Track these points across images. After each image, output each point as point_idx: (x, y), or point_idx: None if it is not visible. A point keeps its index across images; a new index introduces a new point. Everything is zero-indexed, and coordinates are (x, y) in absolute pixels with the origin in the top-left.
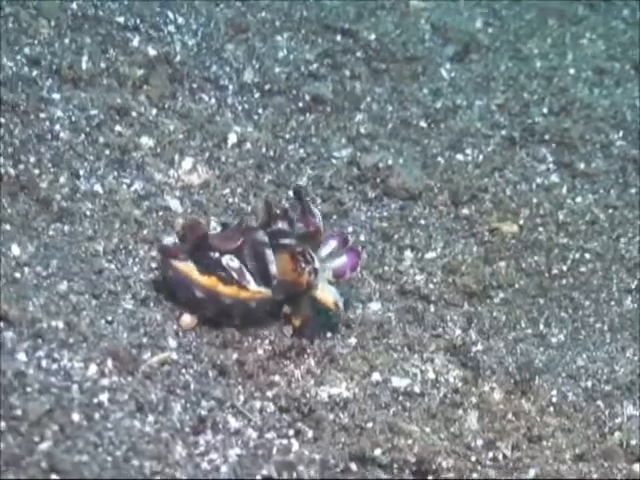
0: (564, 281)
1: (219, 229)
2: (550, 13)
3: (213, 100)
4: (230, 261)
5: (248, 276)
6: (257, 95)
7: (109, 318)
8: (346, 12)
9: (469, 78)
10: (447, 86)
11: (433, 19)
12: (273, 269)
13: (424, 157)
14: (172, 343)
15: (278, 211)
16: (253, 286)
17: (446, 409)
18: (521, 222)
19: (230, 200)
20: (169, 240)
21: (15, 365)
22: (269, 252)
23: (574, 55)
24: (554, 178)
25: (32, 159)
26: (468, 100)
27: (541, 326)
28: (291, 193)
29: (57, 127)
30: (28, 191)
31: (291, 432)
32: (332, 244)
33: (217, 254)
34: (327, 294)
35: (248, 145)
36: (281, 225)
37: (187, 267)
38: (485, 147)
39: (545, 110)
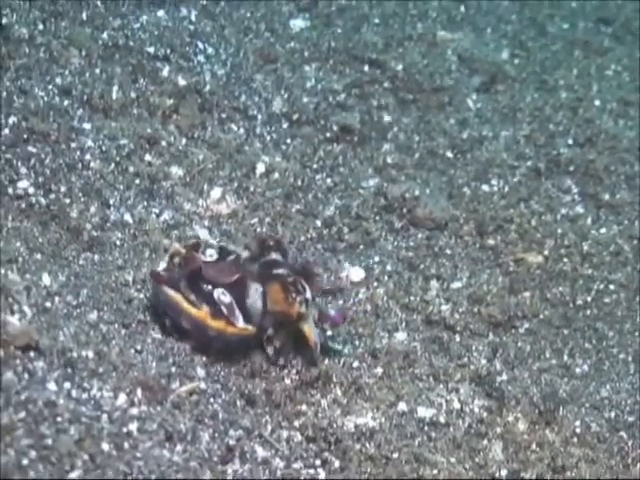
0: (588, 312)
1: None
2: (576, 45)
3: (242, 130)
4: (222, 295)
5: (237, 312)
6: (285, 125)
7: (138, 347)
8: (374, 43)
9: (495, 109)
10: (473, 117)
11: (460, 50)
12: (259, 304)
13: (450, 187)
14: (200, 373)
15: (271, 242)
16: (241, 323)
17: (471, 439)
18: (546, 253)
19: (258, 229)
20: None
21: (46, 394)
22: (259, 287)
23: (599, 86)
24: (579, 209)
25: (63, 188)
26: (494, 131)
27: (565, 356)
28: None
29: (88, 156)
30: (59, 220)
31: (318, 462)
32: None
33: (210, 286)
34: (312, 331)
35: (276, 175)
36: (274, 256)
37: (177, 296)
38: (511, 178)
39: (570, 141)
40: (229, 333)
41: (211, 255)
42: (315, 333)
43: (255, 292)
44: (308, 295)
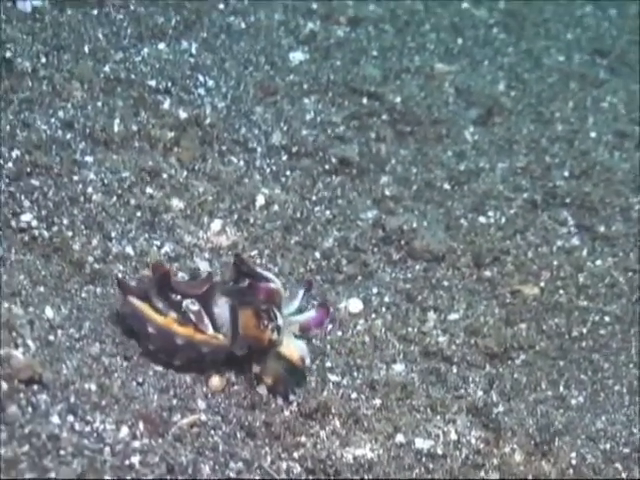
0: (584, 343)
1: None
2: (571, 77)
3: (242, 162)
4: (190, 304)
5: (206, 320)
6: (285, 157)
7: (140, 380)
8: (372, 75)
9: (492, 141)
10: (470, 149)
11: (457, 82)
12: (234, 320)
13: (448, 219)
14: (201, 405)
15: (246, 268)
16: (210, 330)
17: (468, 471)
18: (542, 284)
19: (258, 262)
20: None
21: (49, 428)
22: (229, 302)
23: (595, 118)
24: (575, 241)
25: (65, 221)
26: (491, 163)
27: (561, 388)
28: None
29: (90, 189)
30: (61, 253)
31: None
32: (299, 297)
33: (179, 297)
34: (292, 349)
35: (276, 207)
36: (247, 281)
37: (144, 305)
38: (507, 210)
39: (566, 173)
40: (197, 340)
41: (183, 277)
42: (299, 348)
43: (224, 304)
44: (280, 322)
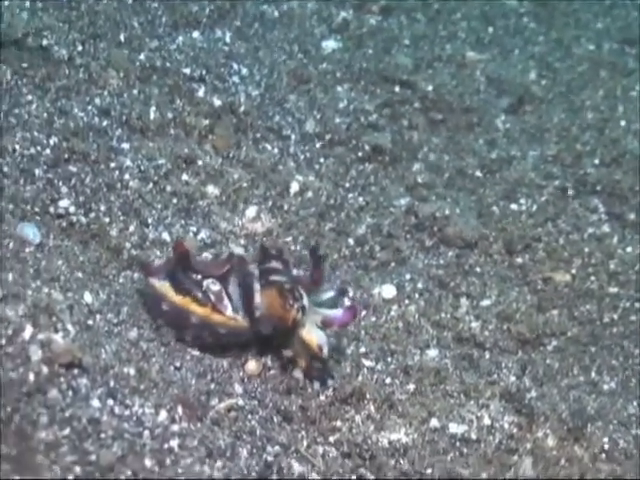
0: (615, 330)
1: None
2: (602, 65)
3: (276, 150)
4: (211, 284)
5: (226, 301)
6: (318, 145)
7: (177, 365)
8: (404, 64)
9: (523, 129)
10: (502, 137)
11: (488, 71)
12: (257, 301)
13: (479, 206)
14: (238, 389)
15: (274, 251)
16: (229, 312)
17: (502, 455)
18: (573, 271)
19: (292, 248)
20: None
21: (89, 411)
22: (256, 284)
23: (625, 107)
24: (605, 228)
25: (102, 207)
26: (522, 151)
27: (593, 374)
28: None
29: (126, 176)
30: (99, 239)
31: (353, 477)
32: (330, 294)
33: (199, 277)
34: (312, 335)
35: (310, 194)
36: (274, 264)
37: (164, 286)
38: (539, 197)
39: (597, 161)
40: (214, 321)
41: (206, 257)
42: (319, 336)
43: (250, 286)
44: (305, 302)
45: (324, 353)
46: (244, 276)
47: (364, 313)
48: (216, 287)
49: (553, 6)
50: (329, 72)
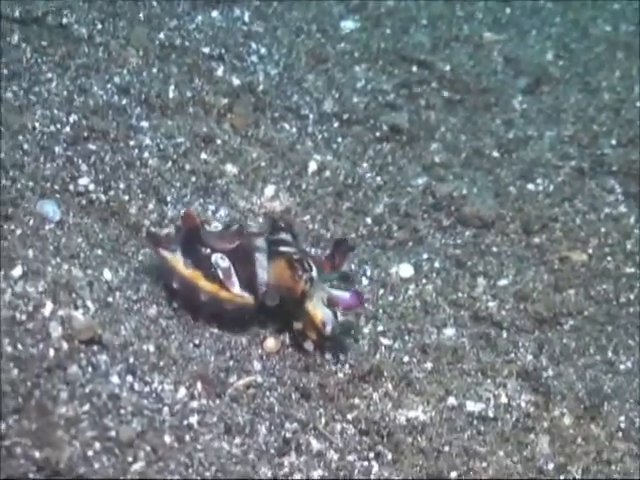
0: (631, 309)
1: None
2: (618, 46)
3: (294, 129)
4: (220, 260)
5: (234, 278)
6: (336, 124)
7: (197, 342)
8: (422, 44)
9: (540, 109)
10: (519, 117)
11: (505, 51)
12: (263, 276)
13: (497, 186)
14: (257, 366)
15: (282, 224)
16: (236, 289)
17: (518, 433)
18: (590, 251)
19: (310, 227)
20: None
21: (109, 387)
22: (263, 258)
23: None
24: (622, 208)
25: (122, 185)
26: (539, 131)
27: (609, 353)
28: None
29: (146, 154)
30: (118, 217)
31: (371, 455)
32: (338, 276)
33: (209, 250)
34: (317, 311)
35: (328, 173)
36: (283, 235)
37: (174, 258)
38: (555, 177)
39: (613, 142)
40: (222, 298)
41: (216, 227)
42: (325, 313)
43: (258, 262)
44: (314, 274)
45: (327, 330)
46: (253, 251)
47: (382, 291)
48: (224, 263)
49: None
50: (347, 52)
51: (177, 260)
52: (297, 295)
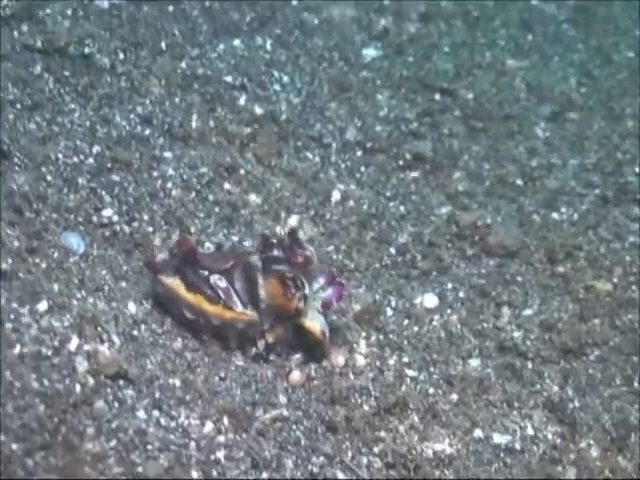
0: None
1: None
2: None
3: (317, 158)
4: (218, 280)
5: (235, 297)
6: (359, 153)
7: (222, 375)
8: (444, 71)
9: (563, 137)
10: (542, 145)
11: (528, 78)
12: (262, 293)
13: (520, 215)
14: (283, 400)
15: (274, 240)
16: (239, 307)
17: (545, 465)
18: (615, 280)
19: (334, 257)
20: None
21: (136, 423)
22: (260, 276)
23: None
24: None
25: (145, 216)
26: (562, 159)
27: (636, 384)
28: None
29: (169, 185)
30: (142, 248)
31: None
32: (320, 280)
33: (206, 272)
34: (315, 323)
35: (351, 202)
36: (276, 253)
37: (174, 283)
38: (579, 205)
39: (637, 169)
40: (228, 318)
41: (208, 248)
42: (321, 322)
43: (259, 281)
44: (307, 291)
45: (327, 338)
46: (249, 269)
47: (407, 322)
48: (223, 283)
49: (592, 13)
50: (369, 80)
51: (178, 284)
52: (291, 313)
